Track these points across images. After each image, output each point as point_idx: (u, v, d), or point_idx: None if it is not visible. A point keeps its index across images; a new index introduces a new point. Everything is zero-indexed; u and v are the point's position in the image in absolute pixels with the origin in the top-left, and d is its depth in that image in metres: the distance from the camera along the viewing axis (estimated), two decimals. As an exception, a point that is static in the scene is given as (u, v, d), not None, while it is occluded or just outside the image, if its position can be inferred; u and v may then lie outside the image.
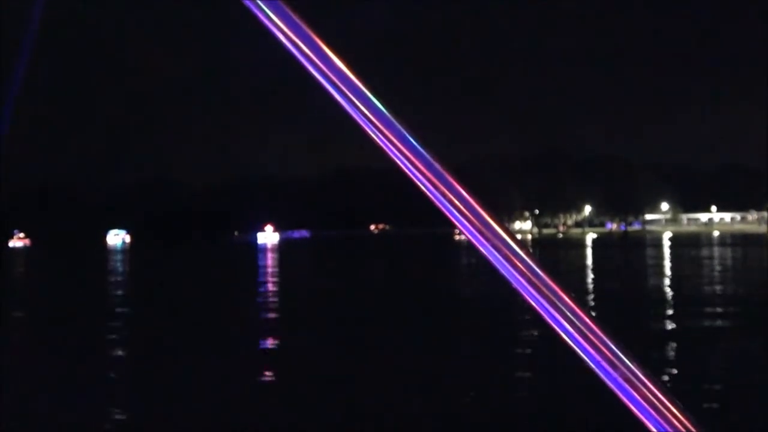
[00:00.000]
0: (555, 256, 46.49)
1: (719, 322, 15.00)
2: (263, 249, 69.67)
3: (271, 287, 26.56)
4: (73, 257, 58.00)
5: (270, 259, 49.05)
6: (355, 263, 44.01)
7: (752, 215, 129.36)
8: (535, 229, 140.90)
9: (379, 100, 0.87)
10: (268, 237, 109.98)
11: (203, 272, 38.30)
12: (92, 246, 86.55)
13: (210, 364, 11.35)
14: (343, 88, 0.87)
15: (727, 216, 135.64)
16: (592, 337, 0.81)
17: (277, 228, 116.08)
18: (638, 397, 0.80)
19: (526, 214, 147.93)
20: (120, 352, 12.90)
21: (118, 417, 8.34)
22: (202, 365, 11.22)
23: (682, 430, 0.80)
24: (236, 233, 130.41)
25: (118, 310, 19.44)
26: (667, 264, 36.24)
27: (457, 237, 77.65)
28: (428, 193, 0.86)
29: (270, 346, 13.20)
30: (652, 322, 14.88)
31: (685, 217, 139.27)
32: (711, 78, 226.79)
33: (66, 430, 7.86)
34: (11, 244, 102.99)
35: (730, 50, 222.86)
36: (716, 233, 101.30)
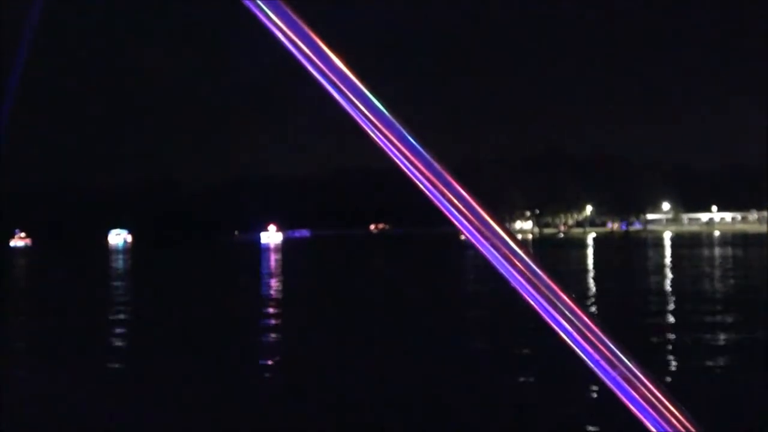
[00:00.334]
0: (555, 256, 46.43)
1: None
2: (269, 249, 69.55)
3: (298, 293, 24.42)
4: (76, 257, 57.56)
5: (281, 260, 48.52)
6: (377, 264, 42.55)
7: (753, 215, 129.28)
8: (536, 229, 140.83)
9: (378, 100, 0.87)
10: (272, 237, 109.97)
11: (217, 273, 37.45)
12: (94, 245, 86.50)
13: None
14: (343, 88, 0.87)
15: (727, 216, 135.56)
16: (590, 336, 0.81)
17: (278, 228, 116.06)
18: (637, 397, 0.80)
19: (527, 213, 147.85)
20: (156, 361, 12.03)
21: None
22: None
23: (681, 429, 0.80)
24: (236, 233, 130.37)
25: (143, 314, 18.71)
26: (688, 264, 35.99)
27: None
28: (427, 193, 0.86)
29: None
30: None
31: (685, 216, 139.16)
32: (711, 77, 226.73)
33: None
34: (12, 243, 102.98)
35: (730, 49, 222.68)
36: (717, 233, 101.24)
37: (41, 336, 14.95)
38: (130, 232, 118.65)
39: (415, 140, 0.86)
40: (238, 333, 14.88)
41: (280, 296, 23.45)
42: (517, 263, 0.84)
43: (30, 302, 22.98)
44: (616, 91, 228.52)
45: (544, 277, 0.83)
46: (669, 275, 28.75)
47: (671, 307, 17.63)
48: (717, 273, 29.38)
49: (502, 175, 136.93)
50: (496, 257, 0.84)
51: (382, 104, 0.87)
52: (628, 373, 0.81)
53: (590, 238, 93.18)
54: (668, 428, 0.80)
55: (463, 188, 0.85)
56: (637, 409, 0.80)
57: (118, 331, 15.79)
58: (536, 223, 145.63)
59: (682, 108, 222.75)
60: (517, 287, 0.84)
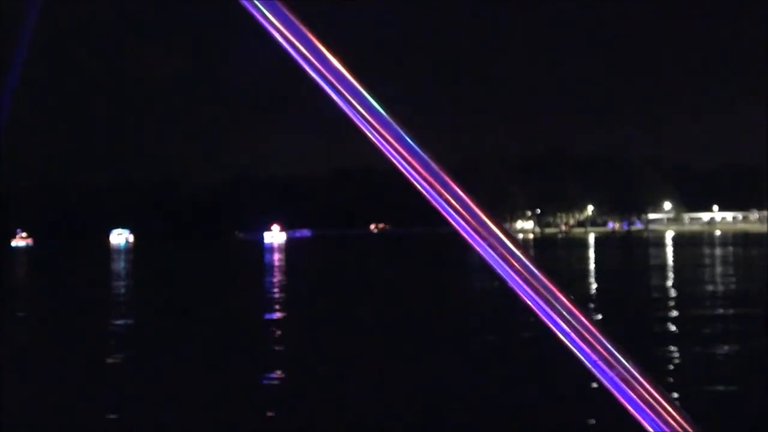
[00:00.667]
0: (551, 256, 46.39)
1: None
2: (275, 248, 69.46)
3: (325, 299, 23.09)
4: (79, 257, 57.25)
5: (294, 260, 48.28)
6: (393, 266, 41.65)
7: (754, 214, 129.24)
8: (537, 229, 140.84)
9: (375, 100, 0.87)
10: (275, 236, 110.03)
11: (235, 274, 36.75)
12: (96, 245, 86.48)
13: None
14: (340, 88, 0.87)
15: (728, 215, 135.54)
16: (588, 336, 0.81)
17: (281, 227, 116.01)
18: (635, 397, 0.80)
19: (528, 213, 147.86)
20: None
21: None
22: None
23: (679, 429, 0.80)
24: (237, 233, 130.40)
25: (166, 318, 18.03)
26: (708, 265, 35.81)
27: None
28: (425, 192, 0.86)
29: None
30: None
31: (687, 216, 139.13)
32: (711, 77, 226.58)
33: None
34: (14, 243, 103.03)
35: (731, 49, 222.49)
36: (718, 233, 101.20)
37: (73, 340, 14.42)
38: (131, 232, 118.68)
39: (412, 141, 0.86)
40: (275, 333, 14.95)
41: (307, 297, 23.02)
42: (515, 263, 0.84)
43: (47, 304, 22.48)
44: (617, 90, 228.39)
45: (542, 277, 0.83)
46: (701, 277, 27.48)
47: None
48: (740, 271, 29.21)
49: (503, 175, 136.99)
50: (494, 257, 0.84)
51: (379, 105, 0.87)
52: (625, 374, 0.81)
53: (591, 238, 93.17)
54: (666, 428, 0.80)
55: (460, 189, 0.85)
56: (635, 410, 0.80)
57: (156, 336, 14.93)
58: (537, 223, 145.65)
59: (682, 108, 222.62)
60: (515, 287, 0.84)
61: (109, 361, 11.89)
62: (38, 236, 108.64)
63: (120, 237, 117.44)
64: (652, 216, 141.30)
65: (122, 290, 27.03)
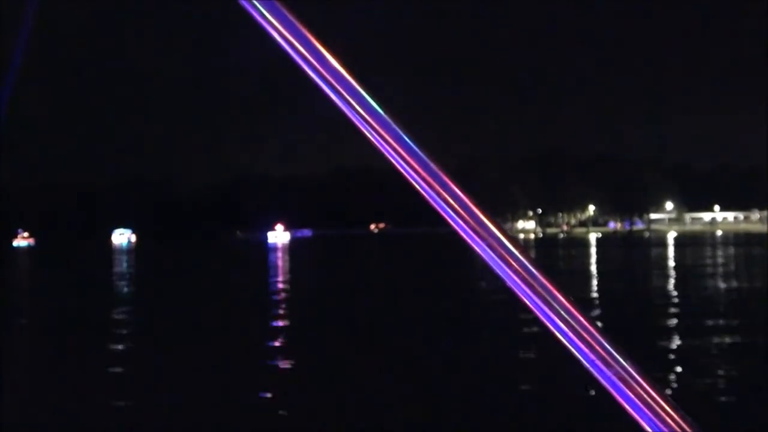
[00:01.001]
0: (549, 257, 46.31)
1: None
2: (281, 248, 69.35)
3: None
4: (83, 257, 56.88)
5: (306, 260, 47.83)
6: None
7: (755, 214, 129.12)
8: (539, 229, 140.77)
9: (374, 100, 0.87)
10: (279, 236, 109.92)
11: (249, 275, 35.82)
12: (98, 245, 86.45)
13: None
14: (339, 88, 0.87)
15: (730, 215, 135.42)
16: (586, 335, 0.81)
17: (285, 227, 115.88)
18: (633, 397, 0.80)
19: (530, 213, 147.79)
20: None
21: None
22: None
23: (677, 429, 0.80)
24: (238, 233, 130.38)
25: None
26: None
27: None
28: (423, 193, 0.86)
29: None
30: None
31: (688, 216, 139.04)
32: (712, 77, 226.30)
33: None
34: (15, 243, 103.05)
35: (732, 48, 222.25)
36: (719, 232, 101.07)
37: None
38: (133, 232, 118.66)
39: (411, 141, 0.86)
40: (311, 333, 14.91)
41: (330, 296, 22.79)
42: (514, 263, 0.84)
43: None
44: (619, 90, 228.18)
45: (541, 277, 0.83)
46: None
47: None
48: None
49: (504, 175, 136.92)
50: (493, 258, 0.84)
51: (378, 105, 0.87)
52: (623, 373, 0.80)
53: (593, 238, 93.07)
54: (664, 428, 0.80)
55: (459, 189, 0.85)
56: (633, 409, 0.80)
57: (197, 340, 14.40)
58: (539, 223, 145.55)
59: (683, 107, 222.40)
60: (514, 287, 0.84)
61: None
62: (40, 236, 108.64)
63: (122, 237, 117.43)
64: (653, 216, 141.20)
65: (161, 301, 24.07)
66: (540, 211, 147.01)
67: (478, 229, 0.85)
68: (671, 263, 37.26)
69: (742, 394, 8.88)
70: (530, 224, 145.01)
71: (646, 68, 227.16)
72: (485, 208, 0.86)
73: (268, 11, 0.87)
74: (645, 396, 0.80)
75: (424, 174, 0.86)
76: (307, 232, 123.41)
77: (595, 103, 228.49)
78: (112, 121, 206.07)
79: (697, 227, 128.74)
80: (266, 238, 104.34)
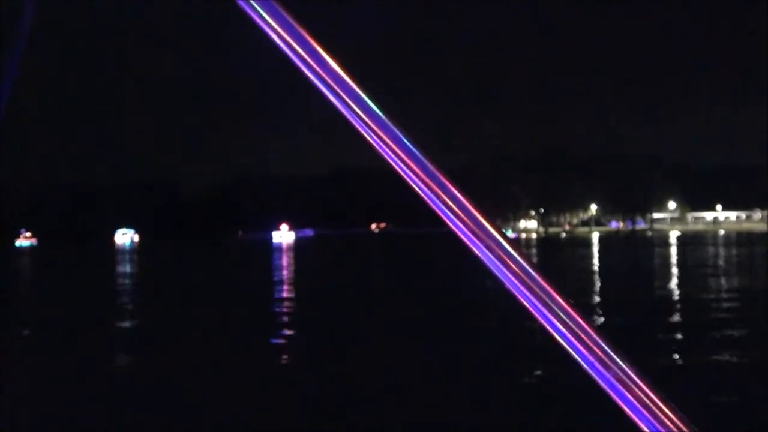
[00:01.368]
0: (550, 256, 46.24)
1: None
2: (287, 248, 69.30)
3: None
4: (88, 257, 56.55)
5: (320, 260, 47.58)
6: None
7: (757, 214, 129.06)
8: (541, 229, 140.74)
9: (372, 101, 0.87)
10: (284, 236, 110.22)
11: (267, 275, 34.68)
12: (101, 245, 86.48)
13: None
14: (337, 89, 0.87)
15: (732, 215, 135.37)
16: (584, 337, 0.81)
17: (290, 227, 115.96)
18: (631, 398, 0.80)
19: (532, 213, 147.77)
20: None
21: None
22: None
23: (675, 430, 0.80)
24: (240, 232, 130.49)
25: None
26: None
27: None
28: (421, 193, 0.86)
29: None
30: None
31: (690, 215, 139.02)
32: (713, 76, 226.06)
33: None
34: (18, 243, 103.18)
35: (734, 48, 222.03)
36: (722, 232, 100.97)
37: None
38: (135, 232, 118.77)
39: (409, 142, 0.86)
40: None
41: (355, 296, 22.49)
42: (512, 265, 0.84)
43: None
44: (621, 90, 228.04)
45: (539, 278, 0.83)
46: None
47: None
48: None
49: (506, 175, 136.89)
50: (491, 259, 0.84)
51: (376, 106, 0.87)
52: (622, 375, 0.81)
53: (595, 238, 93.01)
54: (662, 429, 0.80)
55: (457, 190, 0.85)
56: (632, 411, 0.80)
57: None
58: (541, 223, 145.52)
59: (686, 107, 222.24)
60: (512, 289, 0.84)
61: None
62: (42, 236, 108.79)
63: (125, 237, 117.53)
64: (656, 215, 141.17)
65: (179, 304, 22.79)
66: (542, 210, 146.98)
67: (476, 230, 0.85)
68: (692, 262, 37.15)
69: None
70: (532, 224, 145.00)
71: (648, 67, 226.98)
72: (483, 209, 0.86)
73: (266, 12, 0.87)
74: (643, 397, 0.80)
75: (422, 175, 0.86)
76: (309, 232, 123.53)
77: (598, 102, 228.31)
78: (115, 121, 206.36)
79: (700, 227, 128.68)
80: (268, 237, 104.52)
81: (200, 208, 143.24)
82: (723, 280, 25.29)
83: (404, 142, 0.86)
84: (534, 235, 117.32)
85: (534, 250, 57.13)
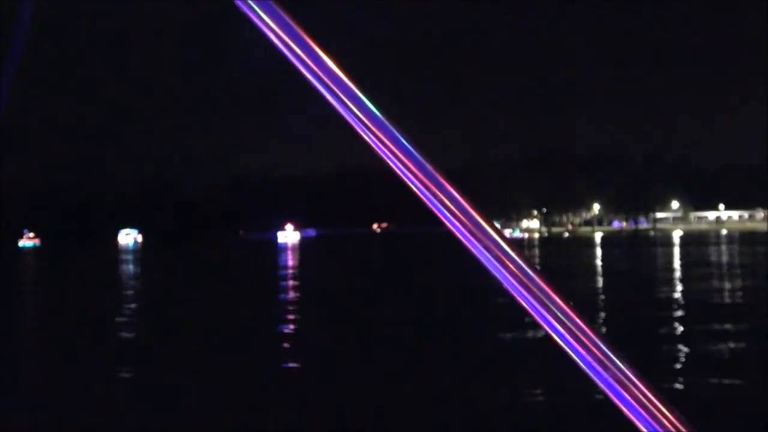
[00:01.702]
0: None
1: None
2: (293, 248, 69.14)
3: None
4: (94, 257, 56.37)
5: (335, 261, 47.48)
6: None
7: (759, 213, 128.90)
8: (544, 228, 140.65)
9: (370, 101, 0.87)
10: (289, 236, 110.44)
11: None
12: (105, 245, 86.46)
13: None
14: (335, 89, 0.87)
15: (734, 214, 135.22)
16: (583, 337, 0.81)
17: (279, 228, 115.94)
18: (629, 398, 0.80)
19: (534, 212, 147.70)
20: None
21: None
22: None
23: (673, 430, 0.80)
24: (241, 232, 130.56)
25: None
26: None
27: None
28: (419, 193, 0.86)
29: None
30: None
31: (693, 215, 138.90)
32: (715, 75, 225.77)
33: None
34: (21, 243, 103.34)
35: (737, 46, 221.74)
36: (724, 231, 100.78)
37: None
38: (139, 232, 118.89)
39: (407, 141, 0.86)
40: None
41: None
42: (510, 265, 0.84)
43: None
44: (624, 89, 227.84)
45: (537, 278, 0.83)
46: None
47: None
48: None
49: (509, 175, 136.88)
50: (489, 259, 0.84)
51: (374, 105, 0.87)
52: (620, 375, 0.80)
53: (598, 237, 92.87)
54: (660, 430, 0.79)
55: (455, 189, 0.85)
56: (630, 411, 0.80)
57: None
58: (544, 222, 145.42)
59: (688, 106, 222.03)
60: (510, 289, 0.84)
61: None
62: (45, 236, 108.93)
63: (128, 237, 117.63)
64: (658, 215, 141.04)
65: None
66: (545, 210, 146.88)
67: (474, 230, 0.85)
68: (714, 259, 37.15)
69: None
70: (534, 224, 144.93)
71: (650, 67, 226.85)
72: (481, 209, 0.85)
73: (264, 12, 0.87)
74: (642, 398, 0.80)
75: (420, 175, 0.86)
76: (311, 232, 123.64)
77: (601, 101, 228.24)
78: (117, 122, 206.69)
79: (703, 226, 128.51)
80: (270, 237, 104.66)
81: (202, 208, 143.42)
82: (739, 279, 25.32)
83: (402, 141, 0.86)
84: (536, 235, 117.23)
85: (537, 251, 57.00)
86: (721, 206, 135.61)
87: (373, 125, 0.87)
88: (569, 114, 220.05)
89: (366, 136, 0.87)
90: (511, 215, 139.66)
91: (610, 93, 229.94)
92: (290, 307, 19.92)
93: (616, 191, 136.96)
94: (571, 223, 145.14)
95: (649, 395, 0.80)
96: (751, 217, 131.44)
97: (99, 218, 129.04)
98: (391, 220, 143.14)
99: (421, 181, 0.86)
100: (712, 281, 24.59)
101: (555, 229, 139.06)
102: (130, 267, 44.95)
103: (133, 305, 21.49)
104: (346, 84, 0.87)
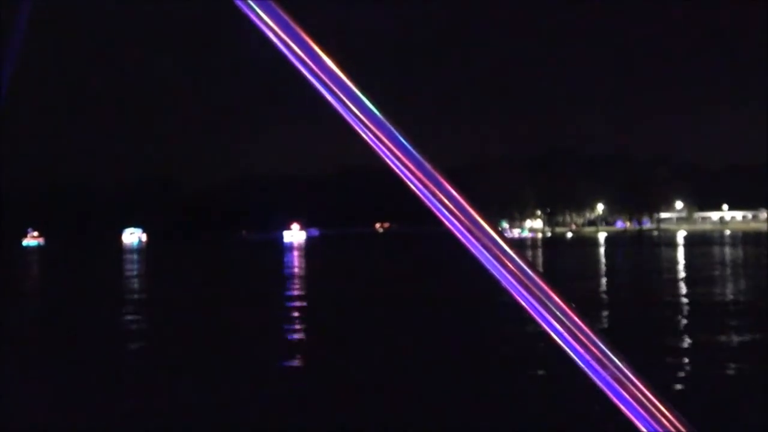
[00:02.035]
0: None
1: None
2: (298, 247, 69.09)
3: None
4: (99, 257, 56.11)
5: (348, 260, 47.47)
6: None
7: (762, 213, 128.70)
8: (547, 228, 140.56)
9: (369, 100, 0.87)
10: (295, 235, 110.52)
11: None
12: (109, 244, 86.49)
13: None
14: (334, 88, 0.87)
15: (738, 214, 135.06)
16: (581, 336, 0.81)
17: (282, 227, 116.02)
18: (628, 397, 0.80)
19: (538, 212, 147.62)
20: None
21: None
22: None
23: (672, 429, 0.80)
24: (243, 232, 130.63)
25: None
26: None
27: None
28: (418, 192, 0.86)
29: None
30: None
31: (697, 215, 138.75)
32: (719, 76, 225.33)
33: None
34: (25, 242, 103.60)
35: (742, 47, 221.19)
36: (728, 232, 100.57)
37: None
38: (143, 231, 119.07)
39: (405, 141, 0.86)
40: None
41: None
42: (509, 264, 0.84)
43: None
44: (628, 89, 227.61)
45: (536, 277, 0.83)
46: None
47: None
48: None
49: (513, 175, 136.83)
50: (488, 258, 0.84)
51: (373, 105, 0.87)
52: (618, 374, 0.80)
53: (602, 237, 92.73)
54: (659, 429, 0.79)
55: (454, 189, 0.85)
56: (628, 410, 0.80)
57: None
58: (547, 222, 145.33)
59: (692, 107, 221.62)
60: (509, 288, 0.84)
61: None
62: (49, 235, 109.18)
63: (132, 236, 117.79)
64: (662, 215, 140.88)
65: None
66: (549, 210, 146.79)
67: (473, 229, 0.85)
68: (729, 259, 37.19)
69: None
70: (538, 223, 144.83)
71: (655, 68, 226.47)
72: (481, 208, 0.86)
73: (263, 11, 0.88)
74: (640, 396, 0.80)
75: (419, 174, 0.86)
76: (315, 232, 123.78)
77: (605, 102, 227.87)
78: (121, 121, 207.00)
79: (707, 226, 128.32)
80: (274, 237, 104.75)
81: (206, 207, 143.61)
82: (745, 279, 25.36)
83: (401, 141, 0.86)
84: (540, 235, 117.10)
85: (537, 251, 56.87)
86: (725, 206, 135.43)
87: (373, 125, 0.87)
88: (573, 114, 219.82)
89: (365, 136, 0.87)
90: (514, 215, 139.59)
91: (614, 93, 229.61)
92: (320, 305, 20.07)
93: (619, 191, 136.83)
94: (575, 223, 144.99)
95: (648, 394, 0.80)
96: (754, 217, 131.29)
97: (102, 217, 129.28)
98: (393, 220, 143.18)
99: (420, 181, 0.86)
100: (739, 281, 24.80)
101: (558, 229, 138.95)
102: (138, 265, 45.08)
103: (148, 308, 21.22)
104: (346, 84, 0.87)
